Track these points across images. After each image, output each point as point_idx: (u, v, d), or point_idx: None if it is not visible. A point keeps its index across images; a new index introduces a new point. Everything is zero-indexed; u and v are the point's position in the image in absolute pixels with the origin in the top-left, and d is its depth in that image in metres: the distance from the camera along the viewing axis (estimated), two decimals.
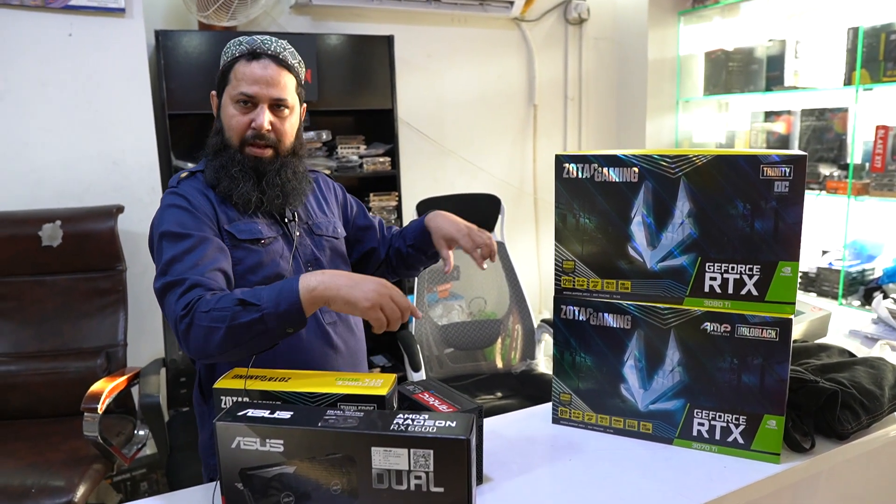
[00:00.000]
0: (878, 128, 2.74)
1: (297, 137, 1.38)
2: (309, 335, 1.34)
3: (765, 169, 1.11)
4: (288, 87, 1.32)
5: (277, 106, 1.31)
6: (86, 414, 1.77)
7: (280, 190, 1.33)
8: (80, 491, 1.74)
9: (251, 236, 1.30)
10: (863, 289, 2.86)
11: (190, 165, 2.66)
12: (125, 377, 1.95)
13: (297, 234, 1.38)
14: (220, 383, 1.06)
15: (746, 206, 1.13)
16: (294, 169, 1.36)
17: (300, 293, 1.07)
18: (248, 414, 0.96)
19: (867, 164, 2.83)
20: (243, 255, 1.29)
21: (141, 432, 2.11)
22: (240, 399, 1.04)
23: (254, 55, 1.30)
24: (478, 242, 1.38)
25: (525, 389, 2.38)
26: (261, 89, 1.29)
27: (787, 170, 1.09)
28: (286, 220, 1.39)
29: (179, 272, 1.16)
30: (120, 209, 2.35)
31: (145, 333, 2.50)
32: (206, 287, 1.14)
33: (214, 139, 1.35)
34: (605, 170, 1.21)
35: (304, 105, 1.41)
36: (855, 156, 2.87)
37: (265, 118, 1.30)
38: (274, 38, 1.33)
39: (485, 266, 1.38)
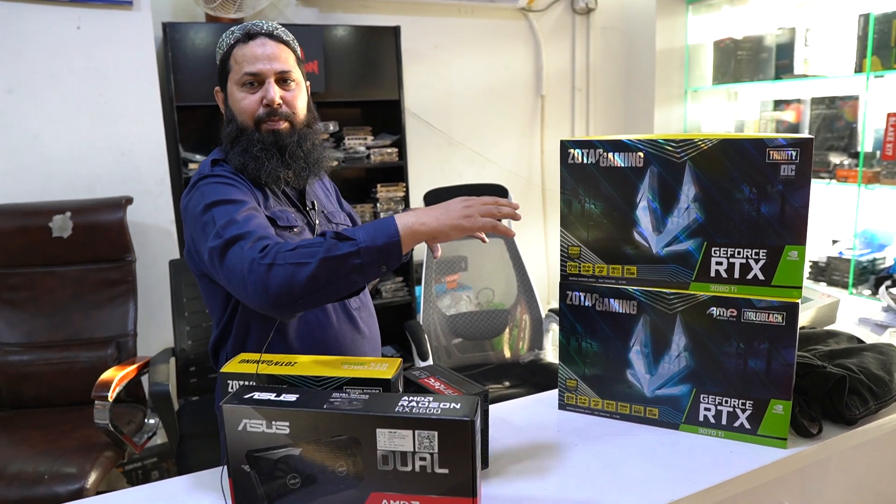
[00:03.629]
0: (889, 115, 2.71)
1: (310, 111, 1.38)
2: (339, 322, 1.36)
3: (771, 152, 1.10)
4: (289, 60, 1.32)
5: (283, 80, 1.31)
6: (97, 402, 1.79)
7: (304, 161, 1.33)
8: (92, 477, 1.76)
9: (288, 223, 1.31)
10: (873, 278, 2.84)
11: (198, 157, 2.68)
12: (135, 366, 1.97)
13: (317, 221, 1.39)
14: (227, 367, 1.07)
15: (752, 190, 1.12)
16: (313, 140, 1.36)
17: (399, 227, 1.05)
18: (255, 397, 0.96)
19: (878, 153, 2.81)
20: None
21: (151, 421, 2.13)
22: (246, 383, 1.04)
23: (249, 36, 1.30)
24: None
25: (533, 379, 2.38)
26: (263, 65, 1.28)
27: (794, 153, 1.09)
28: (307, 207, 1.39)
29: (241, 228, 1.13)
30: (129, 200, 2.37)
31: (154, 323, 2.52)
32: (270, 239, 1.11)
33: (229, 128, 1.33)
34: (610, 155, 1.21)
35: (308, 83, 1.41)
36: (865, 144, 2.84)
37: (275, 91, 1.29)
38: (265, 20, 1.33)
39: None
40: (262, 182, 1.30)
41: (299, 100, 1.34)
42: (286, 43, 1.33)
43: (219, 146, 1.39)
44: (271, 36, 1.31)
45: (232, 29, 1.32)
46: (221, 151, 1.36)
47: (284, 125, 1.32)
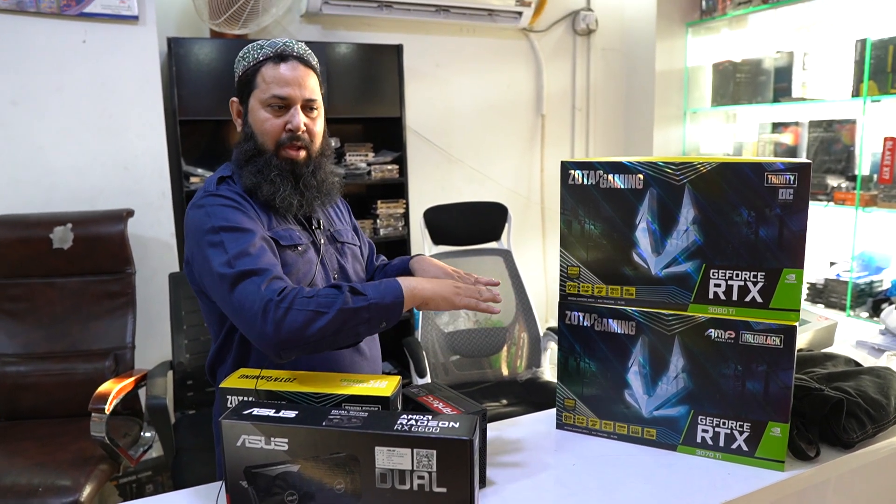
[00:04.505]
0: (886, 139, 2.73)
1: (324, 138, 1.39)
2: None
3: (769, 176, 1.11)
4: (316, 87, 1.33)
5: (308, 107, 1.32)
6: (93, 414, 1.78)
7: (317, 191, 1.35)
8: (87, 491, 1.75)
9: (291, 242, 1.31)
10: (871, 300, 2.85)
11: (199, 171, 2.69)
12: (132, 379, 1.97)
13: (322, 241, 1.40)
14: (226, 383, 1.07)
15: (751, 214, 1.13)
16: (325, 169, 1.37)
17: (403, 289, 1.17)
18: (254, 413, 0.96)
19: (875, 176, 2.83)
20: (283, 259, 1.28)
21: (147, 434, 2.12)
22: (246, 398, 1.05)
23: (281, 57, 1.30)
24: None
25: (530, 397, 2.38)
26: (293, 91, 1.29)
27: (792, 177, 1.10)
28: (313, 226, 1.40)
29: (255, 263, 1.15)
30: (130, 213, 2.38)
31: (153, 336, 2.52)
32: (285, 282, 1.15)
33: (246, 145, 1.32)
34: (610, 176, 1.22)
35: (324, 106, 1.42)
36: (863, 167, 2.86)
37: (301, 119, 1.30)
38: (293, 41, 1.34)
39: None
40: (274, 205, 1.30)
41: (319, 128, 1.36)
42: (313, 68, 1.34)
43: (227, 161, 1.39)
44: (302, 60, 1.31)
45: (260, 44, 1.31)
46: (230, 167, 1.36)
47: (303, 154, 1.32)
